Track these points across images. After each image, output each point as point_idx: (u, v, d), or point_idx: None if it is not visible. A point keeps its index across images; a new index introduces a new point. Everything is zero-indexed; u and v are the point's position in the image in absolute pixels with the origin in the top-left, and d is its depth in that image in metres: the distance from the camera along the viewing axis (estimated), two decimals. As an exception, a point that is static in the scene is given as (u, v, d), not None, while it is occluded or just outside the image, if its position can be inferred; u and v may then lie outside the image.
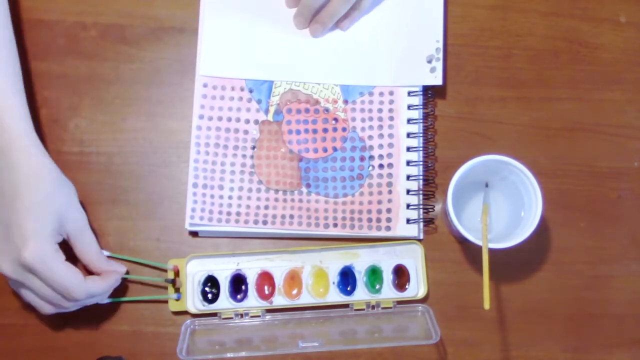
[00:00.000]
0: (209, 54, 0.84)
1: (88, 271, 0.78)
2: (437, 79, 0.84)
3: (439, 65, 0.84)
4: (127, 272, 0.80)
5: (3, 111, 0.72)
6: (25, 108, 0.75)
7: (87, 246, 0.76)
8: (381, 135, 0.83)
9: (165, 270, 0.81)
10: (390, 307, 0.80)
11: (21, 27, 0.85)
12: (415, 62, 0.84)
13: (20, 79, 0.76)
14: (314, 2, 0.82)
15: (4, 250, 0.71)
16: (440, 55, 0.84)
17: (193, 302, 0.80)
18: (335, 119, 0.84)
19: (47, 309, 0.75)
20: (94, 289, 0.74)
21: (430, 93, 0.85)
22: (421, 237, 0.83)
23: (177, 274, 0.81)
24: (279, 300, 0.80)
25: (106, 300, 0.79)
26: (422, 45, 0.85)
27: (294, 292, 0.81)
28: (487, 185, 0.82)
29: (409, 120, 0.83)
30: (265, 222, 0.82)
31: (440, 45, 0.84)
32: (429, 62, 0.84)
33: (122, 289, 0.81)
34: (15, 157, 0.72)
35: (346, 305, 0.81)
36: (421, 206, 0.82)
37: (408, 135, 0.83)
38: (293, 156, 0.83)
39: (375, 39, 0.86)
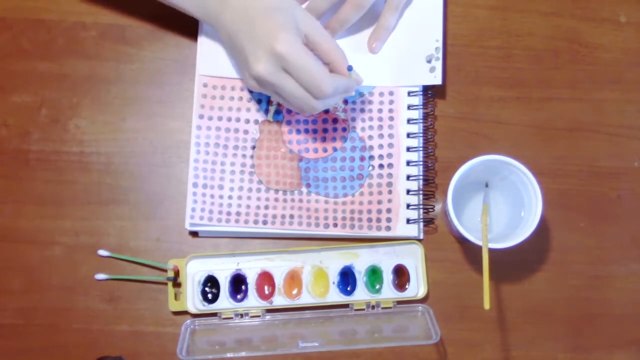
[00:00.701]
0: (208, 54, 0.84)
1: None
2: (436, 79, 0.84)
3: (439, 65, 0.84)
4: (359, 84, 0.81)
5: None
6: None
7: (327, 43, 0.76)
8: (381, 136, 0.83)
9: (165, 270, 0.81)
10: (390, 307, 0.80)
11: (21, 27, 0.85)
12: (414, 62, 0.84)
13: None
14: (321, 6, 0.82)
15: (258, 54, 0.73)
16: (440, 55, 0.84)
17: (193, 302, 0.80)
18: (335, 119, 0.84)
19: (299, 109, 0.77)
20: (340, 83, 0.75)
21: (430, 93, 0.85)
22: (421, 237, 0.83)
23: (177, 274, 0.81)
24: (279, 300, 0.80)
25: (351, 93, 0.80)
26: (421, 45, 0.84)
27: (294, 292, 0.81)
28: (487, 185, 0.82)
29: (409, 120, 0.83)
30: (265, 222, 0.82)
31: (440, 45, 0.84)
32: (429, 61, 0.84)
33: (121, 292, 0.81)
34: None
35: (346, 305, 0.81)
36: (421, 206, 0.82)
37: (408, 135, 0.83)
38: (293, 156, 0.83)
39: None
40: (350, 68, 0.77)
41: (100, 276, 0.81)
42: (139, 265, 0.82)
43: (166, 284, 0.81)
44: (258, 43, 0.73)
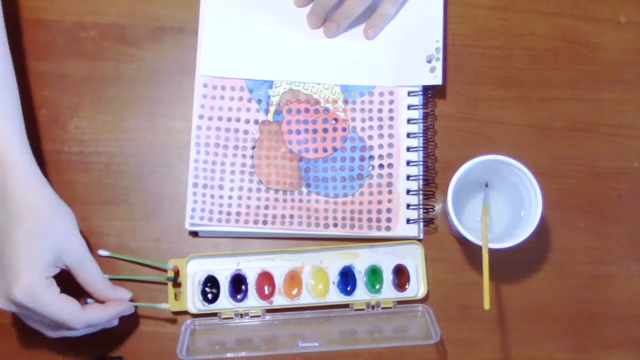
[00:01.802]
0: (209, 54, 0.84)
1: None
2: (437, 79, 0.83)
3: (439, 65, 0.84)
4: (132, 300, 0.78)
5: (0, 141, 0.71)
6: (23, 136, 0.73)
7: (88, 275, 0.74)
8: (381, 135, 0.83)
9: (165, 270, 0.81)
10: (390, 307, 0.80)
11: (21, 27, 0.85)
12: (415, 62, 0.84)
13: (19, 106, 0.74)
14: (329, 1, 0.82)
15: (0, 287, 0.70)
16: (440, 55, 0.84)
17: (193, 302, 0.80)
18: (335, 119, 0.84)
19: (50, 334, 0.74)
20: (94, 319, 0.73)
21: (430, 93, 0.85)
22: (421, 237, 0.83)
23: (177, 274, 0.81)
24: (279, 300, 0.80)
25: (114, 324, 0.78)
26: (421, 45, 0.85)
27: (294, 292, 0.81)
28: (487, 185, 0.82)
29: (409, 120, 0.83)
30: (265, 222, 0.82)
31: (440, 45, 0.84)
32: (429, 62, 0.84)
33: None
34: (10, 188, 0.70)
35: (346, 305, 0.81)
36: (421, 206, 0.82)
37: (408, 135, 0.83)
38: (293, 156, 0.83)
39: (375, 39, 0.86)
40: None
41: None
42: (139, 266, 0.82)
43: (166, 284, 0.81)
44: (3, 275, 0.69)
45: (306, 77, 0.84)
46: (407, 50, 0.85)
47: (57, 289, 0.71)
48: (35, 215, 0.70)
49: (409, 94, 0.84)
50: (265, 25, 0.86)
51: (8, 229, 0.69)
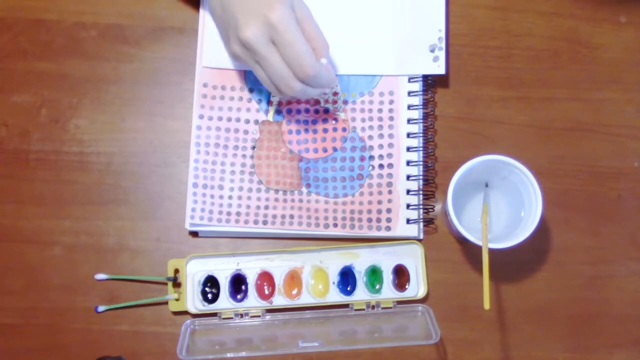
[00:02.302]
0: (210, 45, 0.84)
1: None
2: (440, 69, 0.84)
3: (442, 55, 0.84)
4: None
5: None
6: None
7: (314, 29, 0.75)
8: (381, 135, 0.83)
9: (165, 284, 0.81)
10: (390, 307, 0.80)
11: (21, 27, 0.85)
12: (418, 52, 0.84)
13: None
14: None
15: (249, 20, 0.72)
16: (443, 45, 0.84)
17: (193, 302, 0.80)
18: (336, 119, 0.84)
19: (278, 88, 0.76)
20: (322, 70, 0.74)
21: (430, 92, 0.85)
22: (421, 237, 0.83)
23: (176, 272, 0.81)
24: (279, 300, 0.80)
25: (313, 93, 0.78)
26: (424, 34, 0.85)
27: (294, 292, 0.81)
28: (487, 185, 0.82)
29: (409, 120, 0.83)
30: (265, 222, 0.82)
31: (443, 35, 0.84)
32: (432, 51, 0.84)
33: (120, 292, 0.81)
34: None
35: (346, 305, 0.81)
36: (421, 206, 0.82)
37: (408, 135, 0.83)
38: (293, 156, 0.83)
39: (377, 28, 0.85)
40: (326, 61, 0.76)
41: (100, 276, 0.81)
42: (138, 267, 0.82)
43: (166, 284, 0.81)
44: (252, 9, 0.72)
45: None
46: (410, 39, 0.85)
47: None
48: None
49: (409, 93, 0.84)
50: None
51: None
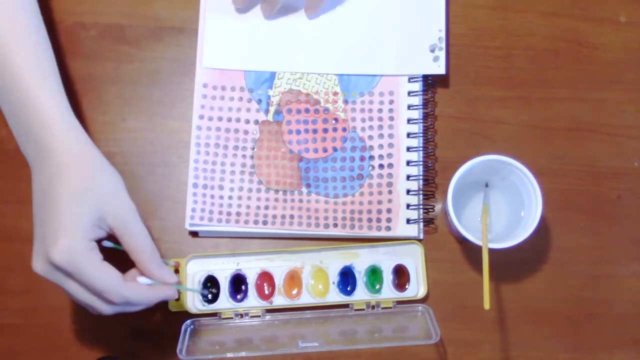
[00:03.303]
0: (210, 46, 0.84)
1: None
2: (440, 69, 0.84)
3: (442, 55, 0.84)
4: (180, 283, 0.75)
5: (38, 96, 0.68)
6: (64, 97, 0.70)
7: (134, 241, 0.69)
8: (381, 135, 0.83)
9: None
10: (390, 307, 0.80)
11: (21, 27, 0.85)
12: (418, 51, 0.84)
13: (57, 75, 0.72)
14: None
15: (39, 249, 0.66)
16: (443, 45, 0.84)
17: (193, 302, 0.80)
18: (336, 119, 0.84)
19: (87, 304, 0.69)
20: (133, 296, 0.68)
21: (430, 92, 0.85)
22: (421, 237, 0.83)
23: (177, 270, 0.81)
24: (279, 300, 0.80)
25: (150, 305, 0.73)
26: (424, 34, 0.85)
27: (294, 292, 0.81)
28: (487, 185, 0.82)
29: (409, 120, 0.83)
30: (265, 222, 0.82)
31: (443, 35, 0.84)
32: (432, 51, 0.84)
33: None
34: (52, 146, 0.66)
35: (346, 305, 0.81)
36: (421, 206, 0.82)
37: (408, 135, 0.83)
38: (293, 156, 0.83)
39: (377, 28, 0.85)
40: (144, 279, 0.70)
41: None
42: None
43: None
44: (42, 238, 0.65)
45: (309, 68, 0.84)
46: (410, 39, 0.85)
47: (99, 255, 0.67)
48: (77, 170, 0.66)
49: (409, 93, 0.84)
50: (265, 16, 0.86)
51: (50, 188, 0.66)
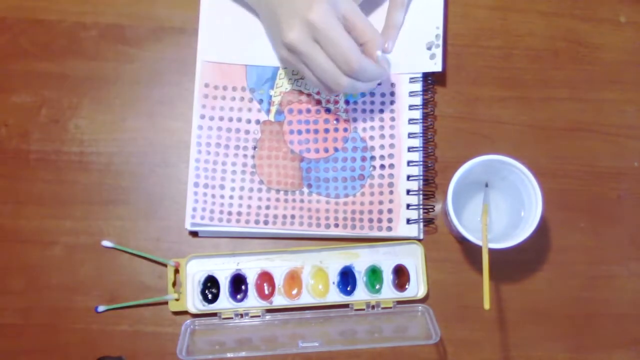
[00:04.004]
0: (209, 39, 0.85)
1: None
2: (436, 66, 0.83)
3: (439, 52, 0.84)
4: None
5: None
6: None
7: (363, 23, 0.76)
8: (382, 136, 0.83)
9: (166, 266, 0.81)
10: (390, 307, 0.80)
11: (21, 27, 0.85)
12: (415, 49, 0.84)
13: None
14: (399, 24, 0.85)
15: (290, 21, 0.74)
16: (440, 43, 0.84)
17: (193, 302, 0.80)
18: (337, 120, 0.84)
19: (326, 86, 0.77)
20: (368, 65, 0.75)
21: (430, 92, 0.85)
22: (421, 237, 0.83)
23: (177, 270, 0.81)
24: (279, 300, 0.80)
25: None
26: (422, 32, 0.85)
27: (294, 292, 0.81)
28: (487, 185, 0.82)
29: (409, 121, 0.83)
30: (266, 222, 0.82)
31: (440, 32, 0.84)
32: (429, 48, 0.84)
33: (120, 292, 0.81)
34: None
35: (346, 305, 0.81)
36: (421, 206, 0.82)
37: (409, 135, 0.83)
38: (294, 156, 0.83)
39: (376, 26, 0.85)
40: (382, 53, 0.77)
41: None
42: (138, 267, 0.82)
43: (165, 290, 0.81)
44: (293, 11, 0.74)
45: None
46: (407, 37, 0.85)
47: (343, 27, 0.75)
48: None
49: (410, 93, 0.84)
50: None
51: None
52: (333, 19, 0.73)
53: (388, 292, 0.80)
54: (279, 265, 0.81)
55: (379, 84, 0.84)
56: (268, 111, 0.84)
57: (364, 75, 0.75)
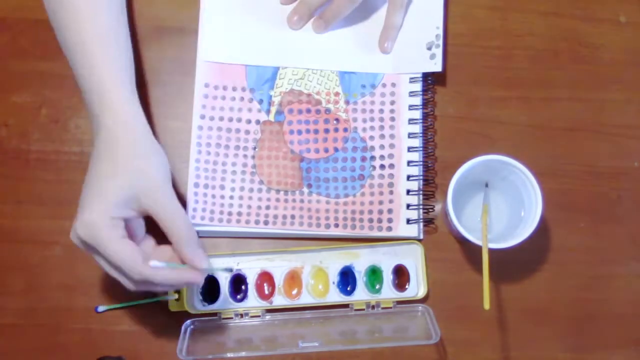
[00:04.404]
0: (210, 39, 0.85)
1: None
2: (437, 66, 0.83)
3: (439, 52, 0.84)
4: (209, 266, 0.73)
5: (103, 79, 0.72)
6: (132, 83, 0.75)
7: (167, 225, 0.70)
8: (382, 136, 0.83)
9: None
10: (390, 307, 0.80)
11: (21, 27, 0.85)
12: (415, 49, 0.84)
13: (132, 66, 0.77)
14: (314, 2, 0.83)
15: (75, 220, 0.69)
16: (440, 42, 0.84)
17: (193, 302, 0.80)
18: (337, 119, 0.84)
19: (118, 279, 0.70)
20: (153, 277, 0.68)
21: (430, 92, 0.85)
22: (421, 237, 0.83)
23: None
24: (279, 300, 0.80)
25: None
26: (422, 32, 0.85)
27: (294, 292, 0.81)
28: (487, 185, 0.82)
29: (409, 121, 0.83)
30: (266, 223, 0.82)
31: (441, 32, 0.84)
32: (429, 48, 0.84)
33: (120, 292, 0.81)
34: (104, 123, 0.70)
35: (346, 305, 0.81)
36: (421, 206, 0.82)
37: (409, 135, 0.83)
38: (294, 156, 0.83)
39: (375, 26, 0.85)
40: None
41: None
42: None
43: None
44: (80, 208, 0.69)
45: (307, 64, 0.84)
46: (407, 37, 0.85)
47: (122, 232, 0.68)
48: (116, 149, 0.70)
49: (410, 93, 0.84)
50: (266, 11, 0.86)
51: (92, 163, 0.70)
52: (101, 231, 0.66)
53: (388, 292, 0.80)
54: (279, 265, 0.81)
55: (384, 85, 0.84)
56: (268, 111, 0.84)
57: (155, 283, 0.68)
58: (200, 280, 0.72)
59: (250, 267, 0.81)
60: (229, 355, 0.76)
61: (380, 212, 0.82)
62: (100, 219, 0.67)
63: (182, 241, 0.70)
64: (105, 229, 0.67)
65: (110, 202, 0.68)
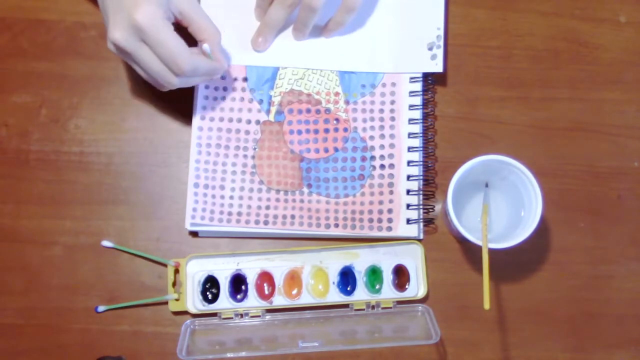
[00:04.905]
0: None
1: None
2: (437, 67, 0.84)
3: (440, 53, 0.84)
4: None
5: None
6: None
7: (200, 20, 0.75)
8: (382, 136, 0.83)
9: (166, 266, 0.81)
10: (390, 307, 0.80)
11: (21, 27, 0.85)
12: (416, 50, 0.84)
13: None
14: (275, 22, 0.83)
15: (117, 20, 0.71)
16: (441, 43, 0.84)
17: (193, 302, 0.80)
18: (337, 119, 0.84)
19: (158, 82, 0.76)
20: (199, 63, 0.75)
21: (430, 92, 0.85)
22: (421, 237, 0.83)
23: (177, 270, 0.81)
24: (279, 300, 0.80)
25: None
26: (423, 32, 0.85)
27: (294, 292, 0.81)
28: (487, 185, 0.82)
29: (410, 121, 0.83)
30: (266, 223, 0.82)
31: (442, 33, 0.84)
32: (430, 49, 0.84)
33: (120, 292, 0.81)
34: None
35: (346, 305, 0.81)
36: (421, 206, 0.82)
37: (409, 135, 0.83)
38: (294, 156, 0.83)
39: (376, 26, 0.86)
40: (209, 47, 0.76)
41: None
42: (139, 263, 0.82)
43: (165, 290, 0.81)
44: (121, 9, 0.71)
45: (307, 64, 0.84)
46: (408, 37, 0.85)
47: (172, 27, 0.73)
48: None
49: (410, 93, 0.84)
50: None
51: None
52: (159, 20, 0.71)
53: (388, 292, 0.80)
54: (279, 265, 0.81)
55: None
56: (268, 111, 0.84)
57: (196, 73, 0.75)
58: (223, 71, 0.80)
59: (250, 267, 0.81)
60: (229, 355, 0.76)
61: (380, 212, 0.82)
62: (160, 11, 0.71)
63: (213, 39, 0.77)
64: (166, 20, 0.72)
65: (166, 1, 0.72)
